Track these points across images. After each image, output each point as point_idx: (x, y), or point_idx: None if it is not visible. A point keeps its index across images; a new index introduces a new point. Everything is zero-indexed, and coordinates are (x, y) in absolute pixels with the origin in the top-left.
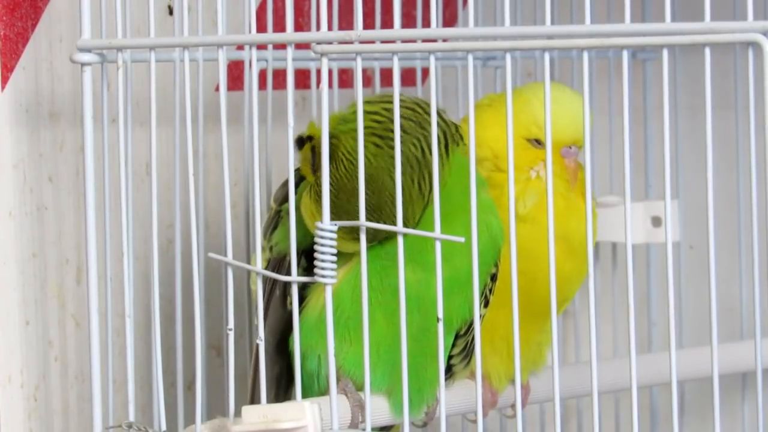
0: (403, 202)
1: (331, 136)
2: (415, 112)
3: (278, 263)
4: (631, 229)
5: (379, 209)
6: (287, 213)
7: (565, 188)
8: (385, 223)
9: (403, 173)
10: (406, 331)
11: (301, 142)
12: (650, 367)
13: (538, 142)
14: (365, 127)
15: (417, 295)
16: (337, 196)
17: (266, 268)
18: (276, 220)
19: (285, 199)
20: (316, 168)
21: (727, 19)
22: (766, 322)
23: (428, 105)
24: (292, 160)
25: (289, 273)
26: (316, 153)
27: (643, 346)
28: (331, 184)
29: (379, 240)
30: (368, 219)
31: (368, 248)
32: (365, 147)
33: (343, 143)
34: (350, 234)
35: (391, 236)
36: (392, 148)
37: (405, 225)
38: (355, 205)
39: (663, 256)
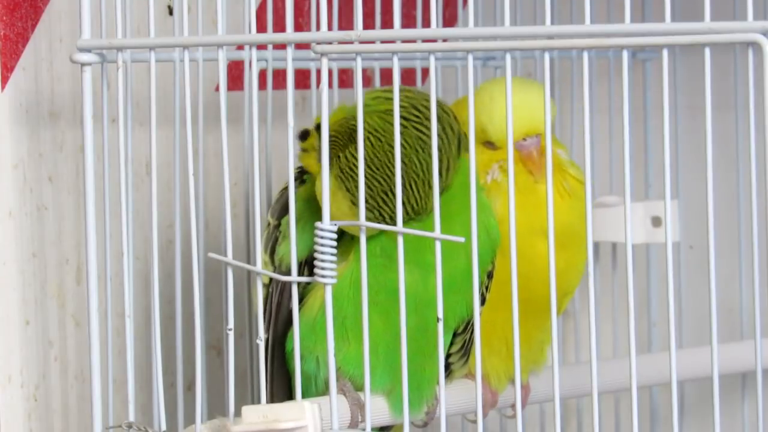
0: (424, 185)
1: (350, 118)
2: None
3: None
4: (631, 229)
5: (404, 186)
6: (288, 226)
7: (531, 182)
8: (408, 200)
9: (427, 154)
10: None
11: (304, 134)
12: (650, 367)
13: (492, 144)
14: (386, 110)
15: (414, 295)
16: (365, 172)
17: (271, 283)
18: (276, 235)
19: (283, 212)
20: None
21: (727, 19)
22: (766, 322)
23: (442, 104)
24: (292, 160)
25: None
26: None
27: (643, 346)
28: (356, 159)
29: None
30: (390, 198)
31: (367, 245)
32: (391, 124)
33: (366, 121)
34: (374, 210)
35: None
36: (416, 129)
37: (422, 208)
38: (384, 177)
39: (663, 256)
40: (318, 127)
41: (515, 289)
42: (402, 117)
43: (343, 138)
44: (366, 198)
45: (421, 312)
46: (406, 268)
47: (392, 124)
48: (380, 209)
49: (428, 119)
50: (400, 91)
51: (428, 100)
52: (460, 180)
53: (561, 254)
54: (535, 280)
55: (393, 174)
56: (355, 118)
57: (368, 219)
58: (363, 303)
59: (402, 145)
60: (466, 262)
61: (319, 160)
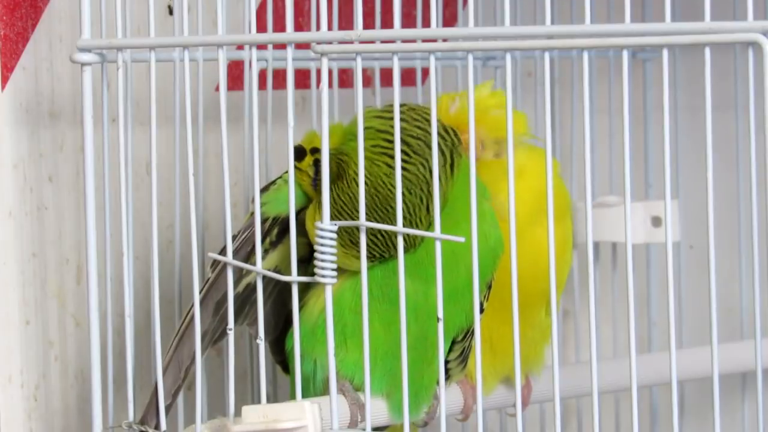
0: (413, 224)
1: (340, 153)
2: (425, 132)
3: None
4: (631, 229)
5: (392, 231)
6: (285, 182)
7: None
8: (394, 243)
9: (414, 195)
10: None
11: (300, 153)
12: (650, 367)
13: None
14: (376, 146)
15: (415, 305)
16: (351, 216)
17: (247, 223)
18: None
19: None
20: (317, 185)
21: (727, 19)
22: (766, 322)
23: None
24: (291, 160)
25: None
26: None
27: (643, 346)
28: (343, 202)
29: (389, 257)
30: (379, 239)
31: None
32: (378, 167)
33: (354, 162)
34: (353, 249)
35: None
36: (404, 169)
37: (412, 246)
38: (371, 219)
39: (663, 256)
40: (313, 151)
41: (515, 292)
42: (391, 157)
43: (330, 173)
44: (349, 241)
45: (421, 321)
46: (408, 281)
47: (378, 165)
48: (361, 233)
49: (416, 154)
50: (394, 117)
51: (424, 129)
52: (462, 187)
53: (538, 230)
54: (519, 269)
55: (379, 218)
56: (347, 153)
57: (351, 257)
58: (363, 304)
59: (390, 191)
60: (466, 273)
61: (311, 183)
